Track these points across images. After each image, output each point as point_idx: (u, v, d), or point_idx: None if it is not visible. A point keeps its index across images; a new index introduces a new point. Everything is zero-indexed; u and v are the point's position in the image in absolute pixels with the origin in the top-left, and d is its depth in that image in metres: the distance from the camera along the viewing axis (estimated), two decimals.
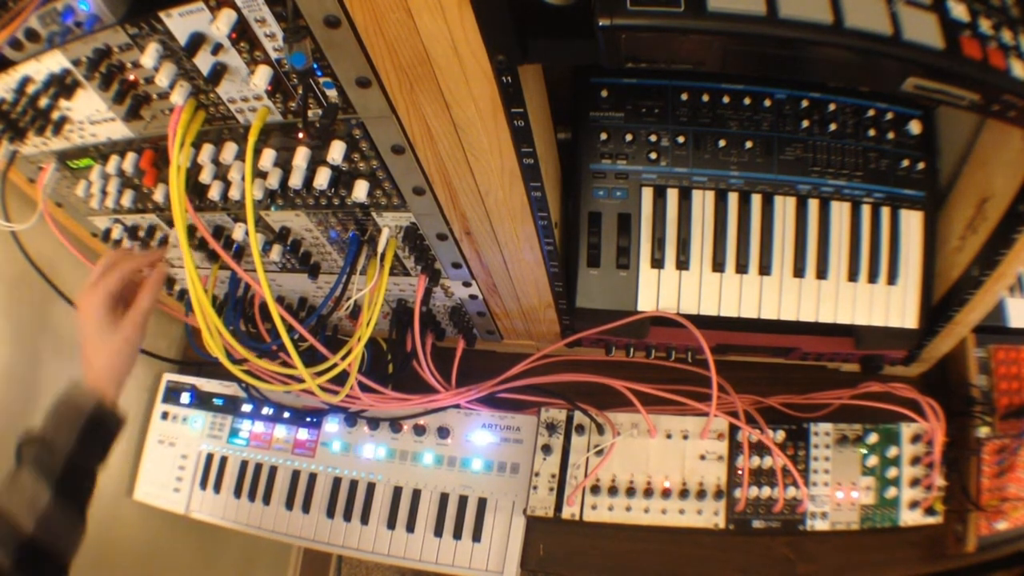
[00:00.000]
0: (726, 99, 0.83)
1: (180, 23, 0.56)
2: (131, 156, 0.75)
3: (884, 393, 0.89)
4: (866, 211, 0.82)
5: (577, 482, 0.90)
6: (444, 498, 0.98)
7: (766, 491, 0.88)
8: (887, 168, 0.82)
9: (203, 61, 0.59)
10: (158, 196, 0.79)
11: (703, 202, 0.83)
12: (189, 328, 1.01)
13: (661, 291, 0.83)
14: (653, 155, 0.83)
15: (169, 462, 1.10)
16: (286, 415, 1.07)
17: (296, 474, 1.04)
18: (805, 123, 0.82)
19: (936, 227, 0.83)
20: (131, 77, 0.64)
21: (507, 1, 0.49)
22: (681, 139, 0.83)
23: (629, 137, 0.83)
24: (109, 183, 0.80)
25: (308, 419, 1.06)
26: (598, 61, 0.52)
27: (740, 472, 0.89)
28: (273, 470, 1.05)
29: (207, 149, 0.69)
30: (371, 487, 1.01)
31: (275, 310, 0.67)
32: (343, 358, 0.79)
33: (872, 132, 0.82)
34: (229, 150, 0.69)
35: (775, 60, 0.53)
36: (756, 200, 0.82)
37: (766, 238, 0.82)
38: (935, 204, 0.83)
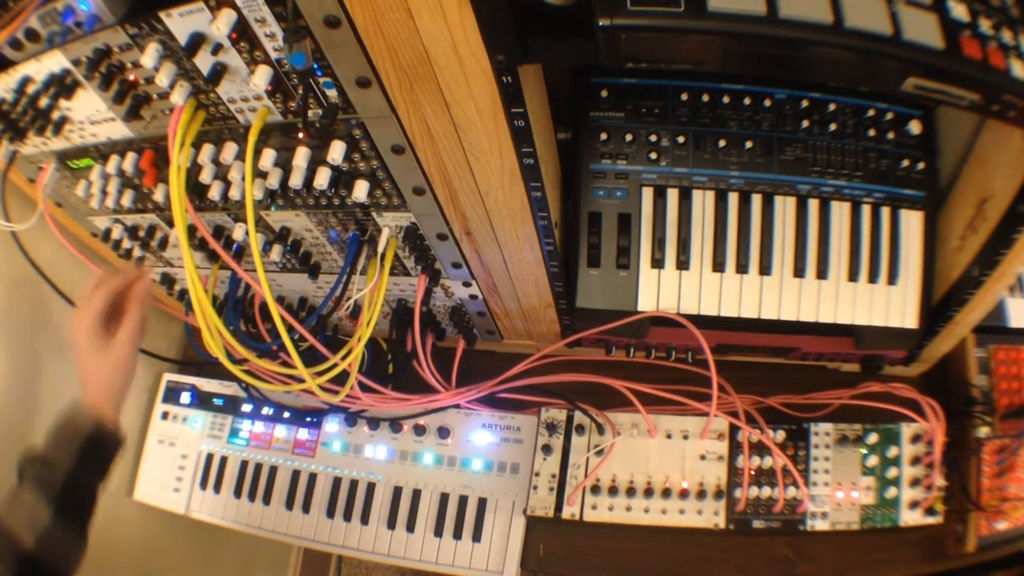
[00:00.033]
0: (726, 99, 0.83)
1: (180, 23, 0.56)
2: (131, 156, 0.75)
3: (884, 393, 0.89)
4: (866, 211, 0.82)
5: (577, 482, 0.90)
6: (444, 498, 0.98)
7: (766, 491, 0.88)
8: (887, 168, 0.82)
9: (203, 61, 0.59)
10: (158, 196, 0.79)
11: (703, 202, 0.83)
12: (189, 328, 1.02)
13: (661, 291, 0.83)
14: (653, 155, 0.83)
15: (169, 462, 1.10)
16: (286, 415, 1.07)
17: (296, 474, 1.04)
18: (805, 123, 0.82)
19: (936, 227, 0.83)
20: (131, 77, 0.64)
21: (507, 1, 0.49)
22: (681, 139, 0.83)
23: (629, 137, 0.83)
24: (109, 183, 0.80)
25: (308, 419, 1.06)
26: (598, 61, 0.52)
27: (740, 472, 0.89)
28: (273, 470, 1.05)
29: (207, 149, 0.69)
30: (371, 487, 1.01)
31: (275, 310, 0.67)
32: (343, 358, 0.79)
33: (872, 132, 0.82)
34: (229, 150, 0.69)
35: (775, 60, 0.54)
36: (756, 200, 0.82)
37: (766, 238, 0.82)
38: (935, 204, 0.83)
